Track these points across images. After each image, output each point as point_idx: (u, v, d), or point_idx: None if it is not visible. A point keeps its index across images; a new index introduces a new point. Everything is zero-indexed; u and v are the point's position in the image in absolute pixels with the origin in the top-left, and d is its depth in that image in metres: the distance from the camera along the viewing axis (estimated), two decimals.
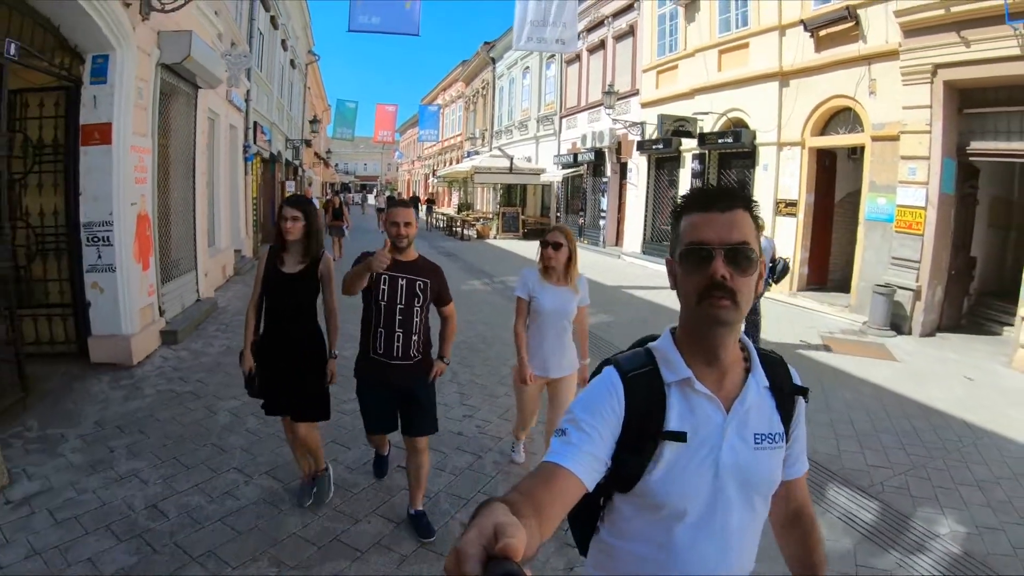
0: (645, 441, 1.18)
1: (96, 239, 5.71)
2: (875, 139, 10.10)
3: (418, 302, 3.35)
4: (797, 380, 1.33)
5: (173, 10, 6.06)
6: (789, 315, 10.15)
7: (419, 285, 3.35)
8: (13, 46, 4.67)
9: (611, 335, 8.11)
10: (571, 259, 3.70)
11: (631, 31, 17.72)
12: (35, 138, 5.74)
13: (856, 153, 11.40)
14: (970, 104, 8.91)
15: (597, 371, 1.30)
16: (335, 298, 3.57)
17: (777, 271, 7.37)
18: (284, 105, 20.50)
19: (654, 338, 1.34)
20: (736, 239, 1.15)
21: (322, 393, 3.59)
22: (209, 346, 7.02)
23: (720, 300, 1.13)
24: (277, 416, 3.66)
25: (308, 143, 25.49)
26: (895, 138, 9.58)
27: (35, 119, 5.73)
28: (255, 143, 13.79)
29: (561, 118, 22.58)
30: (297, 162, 23.23)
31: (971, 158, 9.01)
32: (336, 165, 57.19)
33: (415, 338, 3.38)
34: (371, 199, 49.85)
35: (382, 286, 3.29)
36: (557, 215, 23.78)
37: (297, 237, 3.43)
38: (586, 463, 1.10)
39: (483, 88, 32.80)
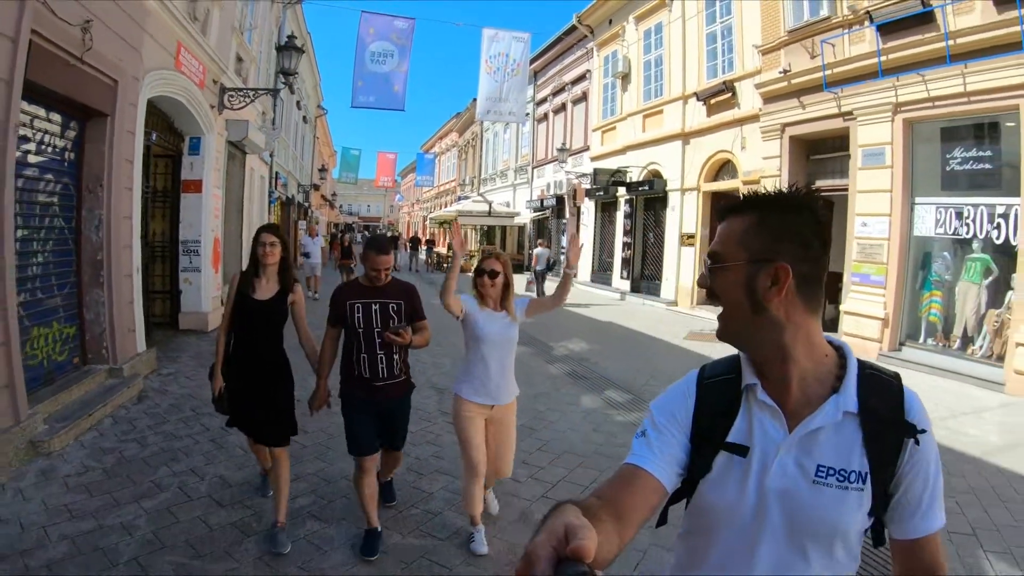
0: (706, 448, 1.13)
1: (189, 251, 9.09)
2: (745, 183, 13.02)
3: (393, 324, 3.40)
4: (914, 416, 1.07)
5: (239, 109, 9.61)
6: (678, 320, 13.43)
7: (392, 307, 3.45)
8: (154, 135, 8.10)
9: (545, 334, 11.37)
10: (508, 287, 3.53)
11: (584, 96, 21.37)
12: (153, 187, 9.16)
13: None
14: (816, 152, 11.57)
15: None
16: (306, 325, 3.73)
17: (549, 265, 13.22)
18: (297, 156, 24.21)
19: None
20: (711, 249, 1.13)
21: (290, 409, 3.70)
22: None
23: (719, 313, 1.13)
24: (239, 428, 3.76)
25: (316, 187, 29.13)
26: (758, 182, 12.18)
27: (152, 175, 9.14)
28: (276, 190, 17.30)
29: (533, 168, 26.17)
30: (307, 204, 26.84)
31: (817, 194, 12.13)
32: (340, 206, 60.60)
33: (396, 357, 3.50)
34: None
35: (356, 314, 3.41)
36: (530, 253, 27.19)
37: (274, 262, 3.59)
38: (665, 464, 1.08)
39: (473, 139, 36.40)
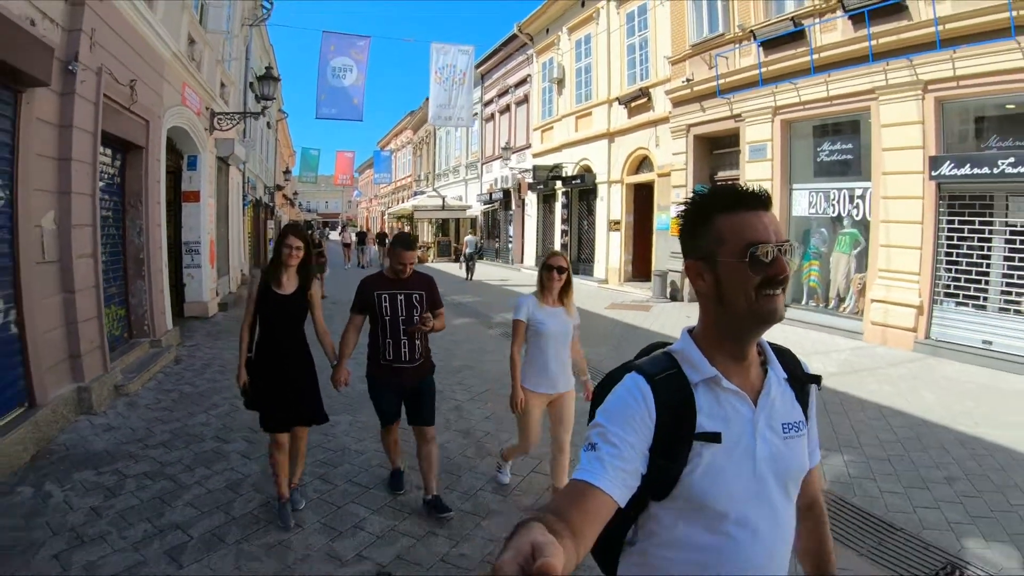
0: (679, 445, 1.16)
1: (191, 251, 10.97)
2: (659, 176, 15.22)
3: (417, 312, 3.75)
4: (808, 369, 1.36)
5: (227, 130, 11.50)
6: (605, 295, 15.69)
7: (415, 297, 3.79)
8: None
9: (486, 309, 13.51)
10: (569, 283, 3.89)
11: (526, 99, 23.48)
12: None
13: None
14: (716, 148, 13.61)
15: (616, 378, 1.28)
16: (323, 317, 4.03)
17: (477, 249, 15.22)
18: (263, 160, 25.77)
19: (662, 345, 1.35)
20: (785, 237, 1.18)
21: (317, 396, 3.93)
22: (241, 311, 12.40)
23: (778, 297, 1.17)
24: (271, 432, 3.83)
25: (280, 188, 30.71)
26: (668, 174, 14.51)
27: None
28: (247, 193, 19.01)
29: (482, 164, 28.24)
30: (272, 204, 28.44)
31: (718, 183, 13.22)
32: (300, 204, 61.46)
33: (418, 343, 3.85)
34: (334, 235, 52.54)
35: (383, 303, 3.73)
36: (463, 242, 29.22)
37: (296, 263, 3.79)
38: (617, 479, 1.08)
39: (427, 137, 38.04)
